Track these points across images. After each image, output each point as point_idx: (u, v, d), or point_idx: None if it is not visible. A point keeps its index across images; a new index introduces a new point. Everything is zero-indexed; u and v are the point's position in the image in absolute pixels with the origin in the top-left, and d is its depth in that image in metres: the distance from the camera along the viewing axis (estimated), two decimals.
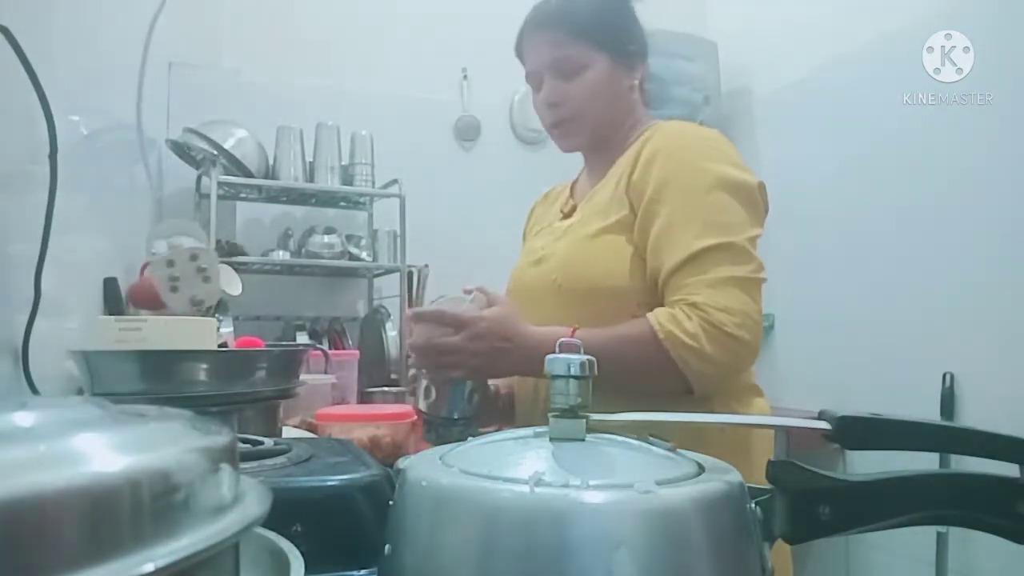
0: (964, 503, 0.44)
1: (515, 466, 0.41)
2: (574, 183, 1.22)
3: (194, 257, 1.13)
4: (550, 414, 0.45)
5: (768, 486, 0.42)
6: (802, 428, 0.51)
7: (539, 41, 1.07)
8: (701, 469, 0.43)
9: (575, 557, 0.36)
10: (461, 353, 0.92)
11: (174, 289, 1.11)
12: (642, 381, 0.91)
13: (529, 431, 0.48)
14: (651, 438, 0.46)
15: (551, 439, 0.45)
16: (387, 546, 0.42)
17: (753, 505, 0.41)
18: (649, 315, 0.91)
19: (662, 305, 0.94)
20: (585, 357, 0.45)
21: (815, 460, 0.43)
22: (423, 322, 0.95)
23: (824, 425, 0.43)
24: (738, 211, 0.94)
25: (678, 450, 0.45)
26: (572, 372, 0.44)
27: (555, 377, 0.45)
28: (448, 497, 0.40)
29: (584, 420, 0.44)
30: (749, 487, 0.42)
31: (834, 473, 0.42)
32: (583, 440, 0.44)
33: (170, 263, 1.12)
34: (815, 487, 0.41)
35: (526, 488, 0.38)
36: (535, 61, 1.08)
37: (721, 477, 0.41)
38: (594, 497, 0.37)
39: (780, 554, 0.95)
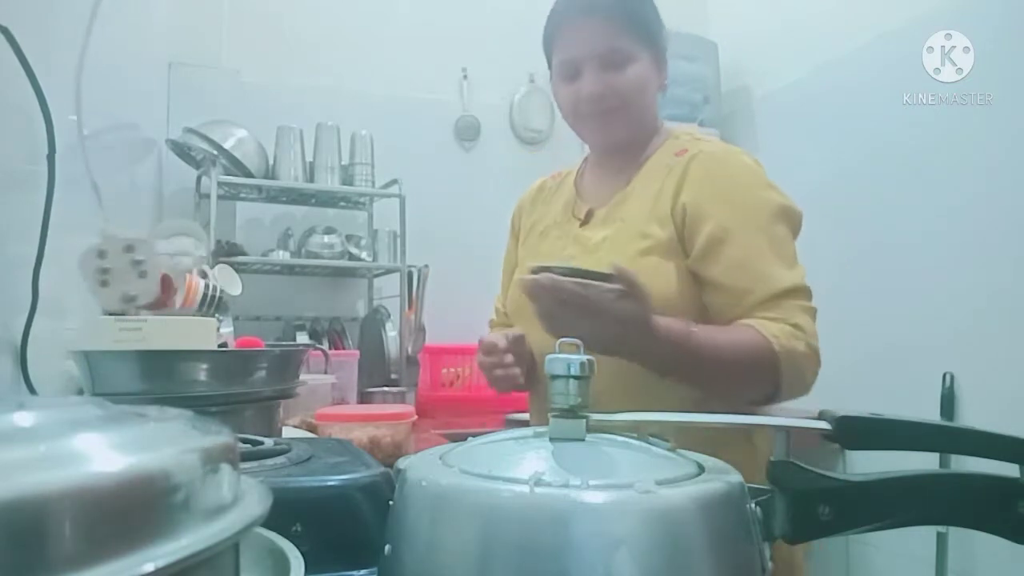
0: (964, 503, 0.44)
1: (515, 466, 0.41)
2: (576, 179, 1.17)
3: (129, 248, 1.01)
4: (550, 414, 0.45)
5: (768, 486, 0.42)
6: (802, 428, 0.51)
7: (588, 28, 1.02)
8: (701, 469, 0.43)
9: (576, 557, 0.36)
10: (575, 326, 0.81)
11: (104, 283, 1.00)
12: (738, 388, 0.92)
13: (529, 431, 0.48)
14: (651, 438, 0.46)
15: (551, 439, 0.45)
16: (387, 547, 0.42)
17: (753, 505, 0.41)
18: (758, 326, 0.90)
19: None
20: (585, 357, 0.45)
21: (816, 460, 0.43)
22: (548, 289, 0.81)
23: (824, 425, 0.43)
24: (792, 242, 0.98)
25: (678, 450, 0.45)
26: (572, 372, 0.44)
27: (555, 377, 0.45)
28: (448, 497, 0.40)
29: (584, 420, 0.44)
30: (749, 487, 0.42)
31: (834, 473, 0.42)
32: (583, 440, 0.44)
33: (101, 254, 1.01)
34: (815, 487, 0.41)
35: (526, 488, 0.37)
36: (579, 47, 1.02)
37: (721, 477, 0.41)
38: (594, 497, 0.37)
39: (794, 555, 0.95)
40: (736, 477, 0.42)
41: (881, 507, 0.43)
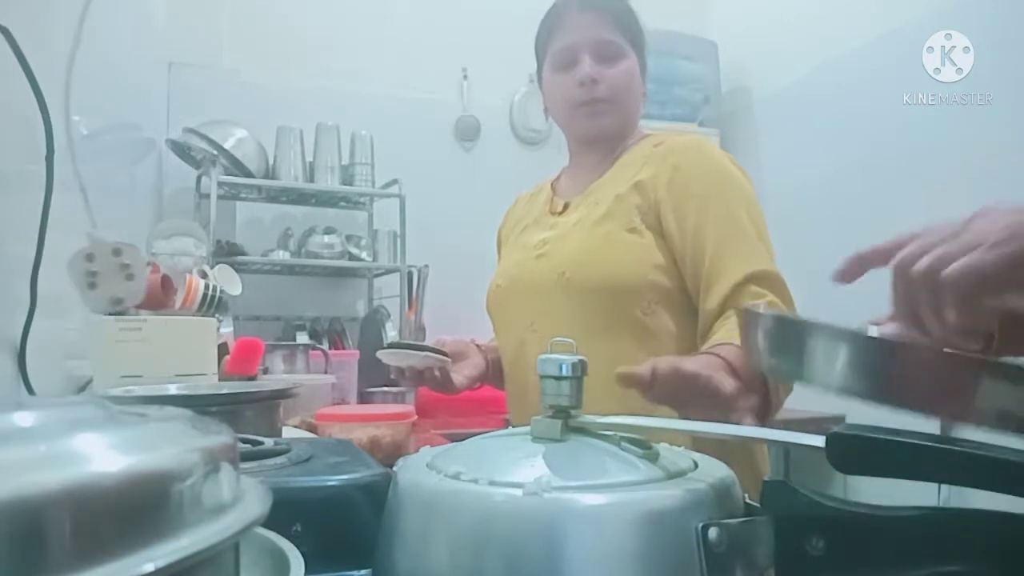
0: (989, 549, 0.35)
1: (464, 464, 0.42)
2: (554, 183, 1.23)
3: (117, 252, 1.05)
4: (534, 416, 0.45)
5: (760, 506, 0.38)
6: (796, 445, 0.47)
7: (586, 19, 1.09)
8: (668, 476, 0.40)
9: (490, 553, 0.37)
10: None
11: (92, 286, 1.03)
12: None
13: (511, 431, 0.49)
14: (622, 442, 0.43)
15: (532, 439, 0.45)
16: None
17: (699, 525, 0.36)
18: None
19: (678, 304, 0.99)
20: (577, 357, 0.45)
21: (820, 466, 0.38)
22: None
23: (818, 442, 0.37)
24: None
25: (660, 454, 0.43)
26: (563, 373, 0.44)
27: (545, 377, 0.45)
28: (411, 495, 0.42)
29: (560, 421, 0.44)
30: (748, 504, 0.39)
31: (833, 500, 0.36)
32: (559, 440, 0.44)
33: (89, 257, 1.04)
34: (808, 514, 0.35)
35: (455, 484, 0.40)
36: (577, 37, 1.09)
37: (662, 489, 0.38)
38: (486, 494, 0.39)
39: None
40: (690, 487, 0.38)
41: (884, 546, 0.35)
